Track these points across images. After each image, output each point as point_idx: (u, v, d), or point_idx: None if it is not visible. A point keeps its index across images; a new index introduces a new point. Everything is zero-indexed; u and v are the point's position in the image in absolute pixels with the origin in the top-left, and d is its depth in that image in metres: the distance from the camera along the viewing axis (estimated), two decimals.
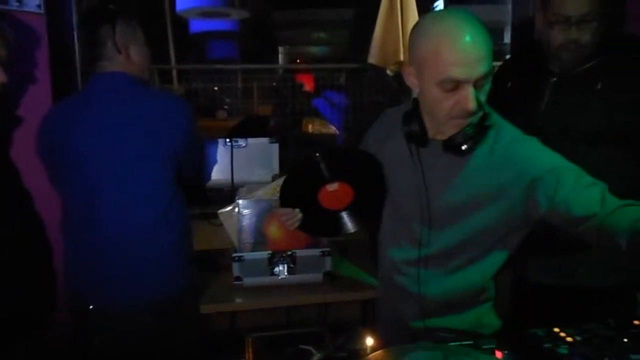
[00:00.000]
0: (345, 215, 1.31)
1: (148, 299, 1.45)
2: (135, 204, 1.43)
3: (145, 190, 1.44)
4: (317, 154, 1.23)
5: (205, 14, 4.74)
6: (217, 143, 2.07)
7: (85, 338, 1.48)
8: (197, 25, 5.76)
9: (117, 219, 1.42)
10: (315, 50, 8.81)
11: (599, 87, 1.38)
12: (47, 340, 1.59)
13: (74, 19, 1.83)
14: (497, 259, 1.17)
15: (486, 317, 1.22)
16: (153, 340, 1.48)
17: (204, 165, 2.00)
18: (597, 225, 0.97)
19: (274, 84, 5.42)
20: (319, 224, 1.32)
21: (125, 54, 1.46)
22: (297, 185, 1.26)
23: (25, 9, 1.57)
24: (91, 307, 1.43)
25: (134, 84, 1.46)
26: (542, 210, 1.04)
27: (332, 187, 1.25)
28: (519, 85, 1.53)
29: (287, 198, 1.26)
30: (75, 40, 1.86)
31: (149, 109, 1.45)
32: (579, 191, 1.01)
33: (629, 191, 1.01)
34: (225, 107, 5.87)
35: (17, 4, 1.57)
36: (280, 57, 8.78)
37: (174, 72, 4.68)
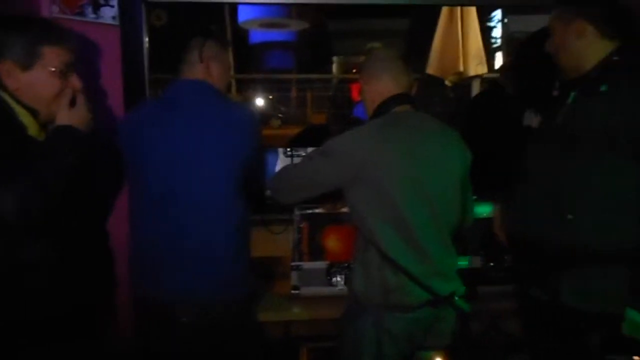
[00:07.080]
0: None
1: (207, 299, 1.48)
2: (206, 205, 1.48)
3: (214, 193, 1.48)
4: None
5: (266, 25, 4.82)
6: (277, 152, 2.07)
7: (144, 332, 1.54)
8: (257, 36, 5.88)
9: (188, 220, 1.48)
10: None
11: None
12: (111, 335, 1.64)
13: (144, 30, 1.91)
14: None
15: None
16: (211, 342, 1.50)
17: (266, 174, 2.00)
18: None
19: (330, 93, 5.43)
20: None
21: (206, 65, 1.55)
22: None
23: (102, 20, 1.64)
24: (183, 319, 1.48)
25: (214, 93, 1.55)
26: None
27: None
28: None
29: None
30: (144, 51, 1.93)
31: (224, 118, 1.52)
32: None
33: None
34: (280, 115, 5.93)
35: (93, 15, 1.64)
36: (334, 66, 8.77)
37: (233, 82, 4.79)
